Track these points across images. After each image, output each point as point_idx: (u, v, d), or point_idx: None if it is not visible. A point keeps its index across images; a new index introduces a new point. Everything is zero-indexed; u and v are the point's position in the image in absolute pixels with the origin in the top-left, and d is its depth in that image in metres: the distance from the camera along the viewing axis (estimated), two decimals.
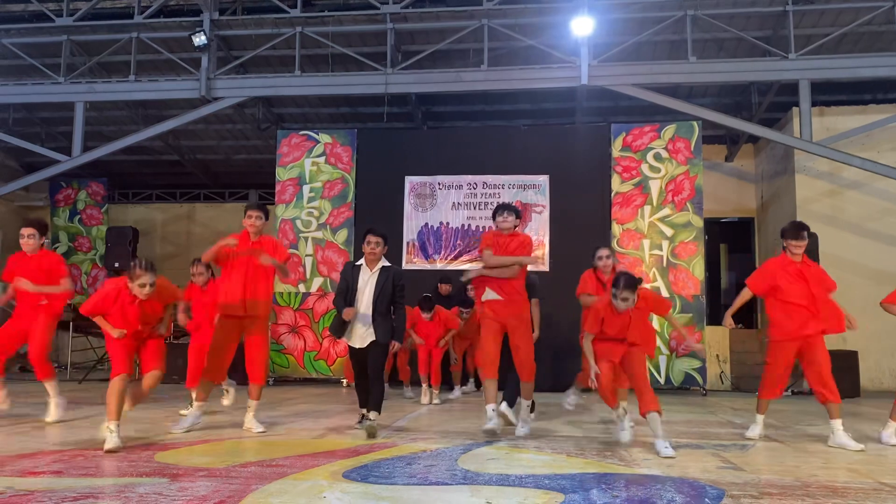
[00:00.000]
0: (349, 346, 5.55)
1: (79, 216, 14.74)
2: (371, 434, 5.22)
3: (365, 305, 5.42)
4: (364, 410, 5.56)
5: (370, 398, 5.47)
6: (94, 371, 11.53)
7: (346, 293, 5.49)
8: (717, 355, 11.97)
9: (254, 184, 15.32)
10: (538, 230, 10.62)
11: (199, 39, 10.35)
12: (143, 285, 4.91)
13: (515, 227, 5.76)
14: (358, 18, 10.64)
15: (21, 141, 11.60)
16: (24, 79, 11.62)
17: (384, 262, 5.56)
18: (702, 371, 10.02)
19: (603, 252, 6.07)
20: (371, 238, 5.50)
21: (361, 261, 5.57)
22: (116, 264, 12.36)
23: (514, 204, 6.18)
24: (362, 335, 5.46)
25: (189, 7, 11.22)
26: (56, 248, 14.21)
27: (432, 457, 4.48)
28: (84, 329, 11.43)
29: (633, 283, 5.03)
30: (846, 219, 11.12)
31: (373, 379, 5.47)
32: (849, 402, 8.73)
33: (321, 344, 10.81)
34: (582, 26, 9.90)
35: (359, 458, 4.36)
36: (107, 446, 4.50)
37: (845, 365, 9.70)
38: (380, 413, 5.45)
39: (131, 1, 11.13)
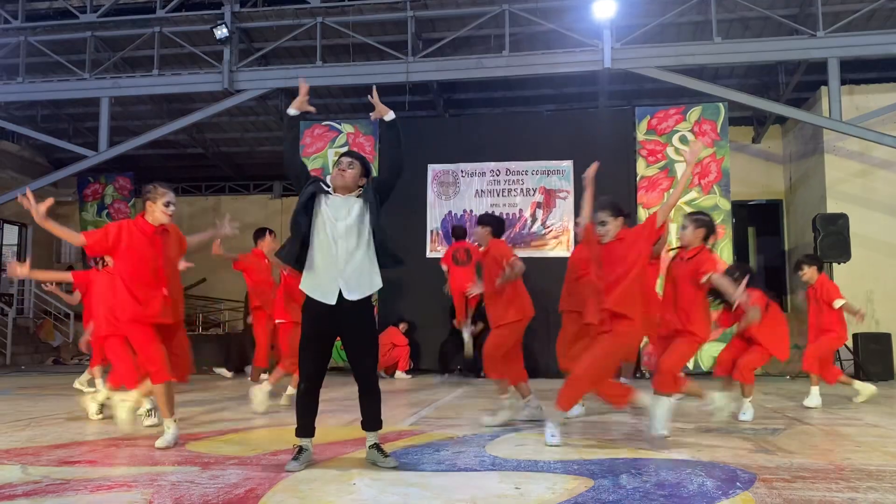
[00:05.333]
0: (308, 303, 3.80)
1: (106, 210, 14.92)
2: (392, 465, 3.72)
3: (350, 241, 3.75)
4: (303, 440, 3.79)
5: (366, 409, 3.85)
6: None
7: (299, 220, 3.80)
8: None
9: (278, 175, 15.40)
10: (562, 216, 10.56)
11: (221, 32, 10.40)
12: (167, 203, 4.51)
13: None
14: (378, 7, 10.62)
15: (49, 137, 11.77)
16: (51, 76, 11.77)
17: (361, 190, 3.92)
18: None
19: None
20: (343, 158, 3.98)
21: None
22: None
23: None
24: (347, 282, 3.72)
25: (210, 0, 11.28)
26: None
27: (460, 443, 4.48)
28: None
29: (612, 205, 4.58)
30: (878, 199, 10.91)
31: (366, 373, 3.84)
32: (883, 386, 8.60)
33: None
34: (604, 9, 9.79)
35: (387, 445, 4.38)
36: (159, 444, 4.31)
37: (878, 347, 9.56)
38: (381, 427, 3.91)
39: None
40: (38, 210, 4.25)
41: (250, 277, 7.23)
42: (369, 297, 3.86)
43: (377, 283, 3.85)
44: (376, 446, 3.82)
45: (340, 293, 3.71)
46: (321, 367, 3.83)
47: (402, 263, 3.93)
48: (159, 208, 4.54)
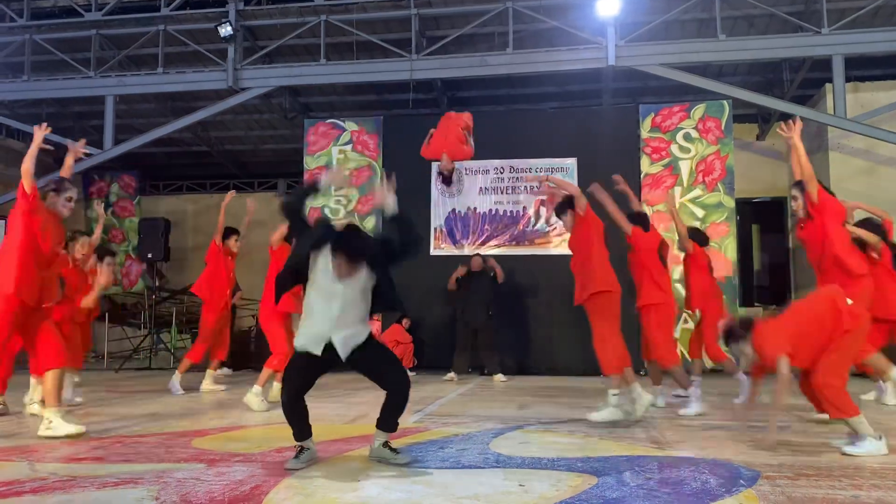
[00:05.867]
0: (298, 353, 3.75)
1: (112, 208, 14.97)
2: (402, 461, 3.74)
3: (335, 307, 3.66)
4: (302, 444, 3.77)
5: (387, 410, 3.84)
6: (129, 360, 11.76)
7: (294, 272, 3.78)
8: None
9: (282, 173, 15.41)
10: None
11: (225, 30, 10.41)
12: (70, 199, 4.99)
13: None
14: (382, 5, 10.62)
15: (54, 135, 11.74)
16: (56, 74, 11.79)
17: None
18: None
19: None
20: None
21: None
22: (150, 255, 12.57)
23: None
24: (343, 339, 3.68)
25: None
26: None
27: (464, 440, 4.49)
28: (120, 320, 11.65)
29: None
30: (883, 197, 10.83)
31: (393, 370, 3.85)
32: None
33: None
34: (608, 6, 9.77)
35: (392, 442, 4.39)
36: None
37: None
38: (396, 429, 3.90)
39: None
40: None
41: (206, 269, 7.84)
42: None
43: (364, 334, 3.77)
44: (387, 444, 3.81)
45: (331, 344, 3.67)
46: (309, 383, 3.81)
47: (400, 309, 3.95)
48: (61, 204, 4.97)
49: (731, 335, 4.30)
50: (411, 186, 11.07)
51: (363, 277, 3.72)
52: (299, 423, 3.75)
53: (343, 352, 3.65)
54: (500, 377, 9.04)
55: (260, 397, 6.13)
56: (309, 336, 3.68)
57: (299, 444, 3.76)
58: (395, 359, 3.96)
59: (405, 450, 4.08)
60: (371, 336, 3.81)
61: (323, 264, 3.68)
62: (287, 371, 3.83)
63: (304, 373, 3.75)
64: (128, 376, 9.82)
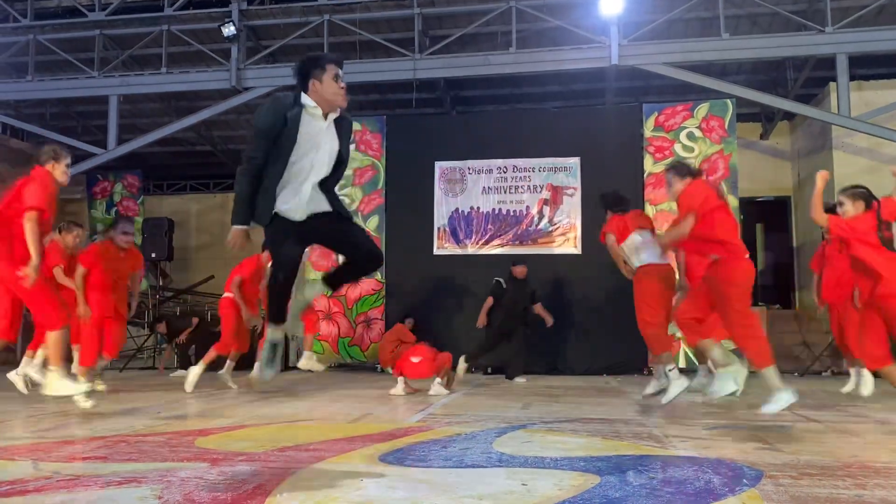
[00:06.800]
0: (277, 220, 3.66)
1: (115, 208, 14.99)
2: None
3: (325, 166, 3.69)
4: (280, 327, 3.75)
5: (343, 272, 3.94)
6: (133, 360, 11.77)
7: (268, 141, 3.61)
8: None
9: None
10: (570, 213, 10.56)
11: (228, 30, 10.43)
12: (68, 165, 5.24)
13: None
14: (385, 4, 10.63)
15: (58, 135, 11.83)
16: (60, 74, 11.82)
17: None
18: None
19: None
20: (341, 72, 3.82)
21: (309, 102, 3.76)
22: (154, 254, 12.59)
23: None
24: (309, 199, 3.66)
25: None
26: (94, 240, 14.49)
27: (467, 440, 4.49)
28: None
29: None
30: (886, 195, 10.84)
31: (377, 257, 3.86)
32: (882, 381, 8.57)
33: (355, 330, 10.91)
34: (611, 5, 9.77)
35: (394, 441, 4.39)
36: None
37: None
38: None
39: None
40: None
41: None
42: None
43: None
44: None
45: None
46: (299, 255, 3.75)
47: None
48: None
49: None
50: (415, 186, 11.11)
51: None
52: (283, 302, 3.71)
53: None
54: (521, 380, 8.97)
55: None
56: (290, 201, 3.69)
57: (273, 335, 3.71)
58: (358, 230, 3.95)
59: (408, 449, 4.07)
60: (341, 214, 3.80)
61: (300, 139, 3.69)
62: (275, 253, 3.75)
63: (290, 239, 3.70)
64: (131, 375, 9.83)
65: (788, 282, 12.89)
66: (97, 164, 11.72)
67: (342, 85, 3.71)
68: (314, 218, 3.68)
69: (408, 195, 10.99)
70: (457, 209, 11.01)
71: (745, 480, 3.36)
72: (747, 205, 12.49)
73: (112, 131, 11.22)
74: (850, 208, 5.05)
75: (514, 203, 10.83)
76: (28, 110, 12.92)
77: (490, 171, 11.00)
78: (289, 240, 3.61)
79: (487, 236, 10.83)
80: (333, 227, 3.74)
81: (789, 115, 12.31)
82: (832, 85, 10.40)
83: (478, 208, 10.94)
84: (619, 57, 9.98)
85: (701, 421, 5.37)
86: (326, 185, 3.72)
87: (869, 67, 11.35)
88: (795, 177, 12.86)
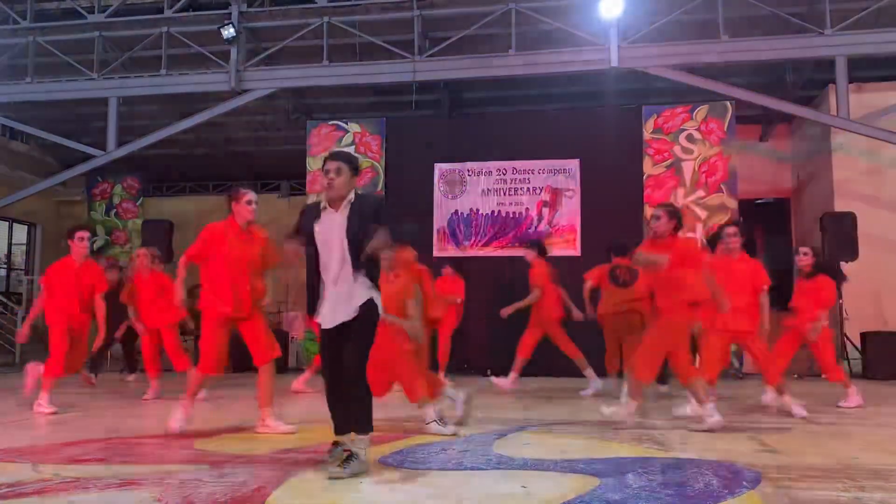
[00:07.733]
0: (319, 326, 3.80)
1: (115, 210, 14.99)
2: (355, 471, 3.48)
3: (337, 261, 3.66)
4: (341, 437, 3.68)
5: (350, 412, 3.70)
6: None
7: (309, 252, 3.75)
8: None
9: (285, 174, 15.43)
10: (569, 214, 10.55)
11: (228, 32, 10.42)
12: (249, 202, 5.26)
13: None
14: (385, 6, 10.61)
15: (58, 137, 11.83)
16: (59, 76, 11.81)
17: (353, 196, 3.76)
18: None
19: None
20: (329, 164, 3.73)
21: (324, 201, 3.81)
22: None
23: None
24: (332, 307, 3.68)
25: (217, 0, 11.30)
26: (94, 241, 14.48)
27: (467, 442, 4.49)
28: None
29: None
30: (886, 198, 10.86)
31: (351, 380, 3.64)
32: (891, 385, 8.57)
33: None
34: (611, 7, 9.76)
35: (394, 444, 4.39)
36: None
37: (886, 347, 9.52)
38: (369, 432, 3.68)
39: None
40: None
41: None
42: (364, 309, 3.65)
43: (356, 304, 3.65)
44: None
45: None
46: (336, 370, 3.72)
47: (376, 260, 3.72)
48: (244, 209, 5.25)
49: None
50: (414, 188, 11.10)
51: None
52: (337, 409, 3.78)
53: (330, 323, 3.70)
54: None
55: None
56: (322, 310, 3.75)
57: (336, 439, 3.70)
58: (360, 344, 3.69)
59: (408, 451, 4.07)
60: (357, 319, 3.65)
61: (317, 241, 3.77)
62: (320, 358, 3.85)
63: (325, 350, 3.79)
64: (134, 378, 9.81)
65: (789, 284, 12.84)
66: (97, 166, 11.71)
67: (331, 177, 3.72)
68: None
69: (407, 197, 10.98)
70: (456, 211, 11.01)
71: (744, 483, 3.36)
72: (746, 207, 12.47)
73: (111, 133, 11.21)
74: None
75: (513, 205, 10.82)
76: (28, 112, 12.91)
77: (490, 172, 11.00)
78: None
79: (487, 238, 10.83)
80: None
81: (789, 118, 12.30)
82: (831, 87, 10.39)
83: (477, 210, 10.94)
84: (618, 59, 9.97)
85: (699, 423, 5.36)
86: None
87: (868, 70, 11.34)
88: (795, 179, 12.85)
